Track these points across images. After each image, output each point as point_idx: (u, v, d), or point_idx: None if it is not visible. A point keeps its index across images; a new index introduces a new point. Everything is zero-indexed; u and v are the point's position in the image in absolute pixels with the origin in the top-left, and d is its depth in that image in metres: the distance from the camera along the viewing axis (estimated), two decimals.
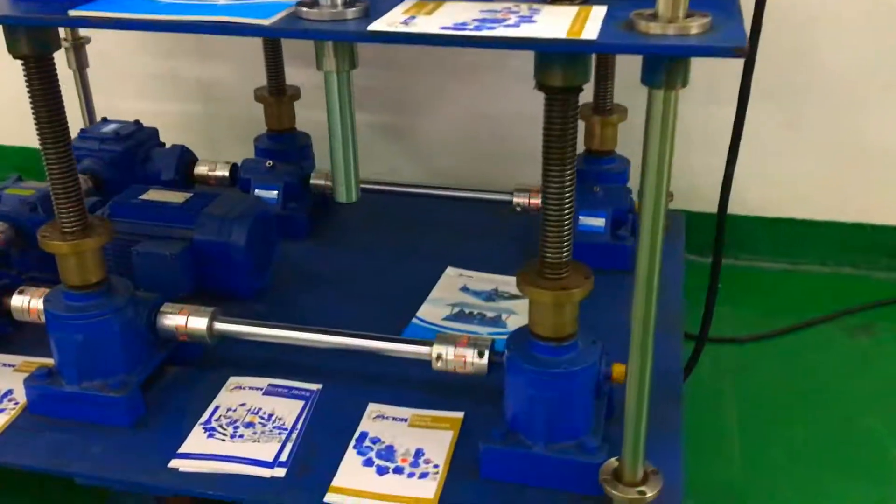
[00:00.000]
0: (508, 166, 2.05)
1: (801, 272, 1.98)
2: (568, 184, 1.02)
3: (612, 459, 1.07)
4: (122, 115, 1.89)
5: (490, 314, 1.51)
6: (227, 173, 1.80)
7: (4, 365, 1.38)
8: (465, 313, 1.51)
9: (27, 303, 1.32)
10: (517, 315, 1.50)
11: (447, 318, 1.49)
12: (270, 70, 1.79)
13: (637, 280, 0.93)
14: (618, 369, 1.14)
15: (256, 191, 1.76)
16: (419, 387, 1.32)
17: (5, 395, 1.31)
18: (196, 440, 1.21)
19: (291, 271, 1.65)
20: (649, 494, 1.03)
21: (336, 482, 1.13)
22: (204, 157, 1.85)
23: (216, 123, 2.20)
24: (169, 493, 1.15)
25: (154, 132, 1.85)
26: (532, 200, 1.67)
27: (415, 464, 1.17)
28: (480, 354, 1.19)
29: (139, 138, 1.81)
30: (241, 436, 1.22)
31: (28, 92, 1.14)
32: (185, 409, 1.28)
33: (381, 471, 1.16)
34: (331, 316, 1.49)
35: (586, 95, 1.69)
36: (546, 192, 1.03)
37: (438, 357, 1.21)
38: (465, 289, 1.59)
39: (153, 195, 1.55)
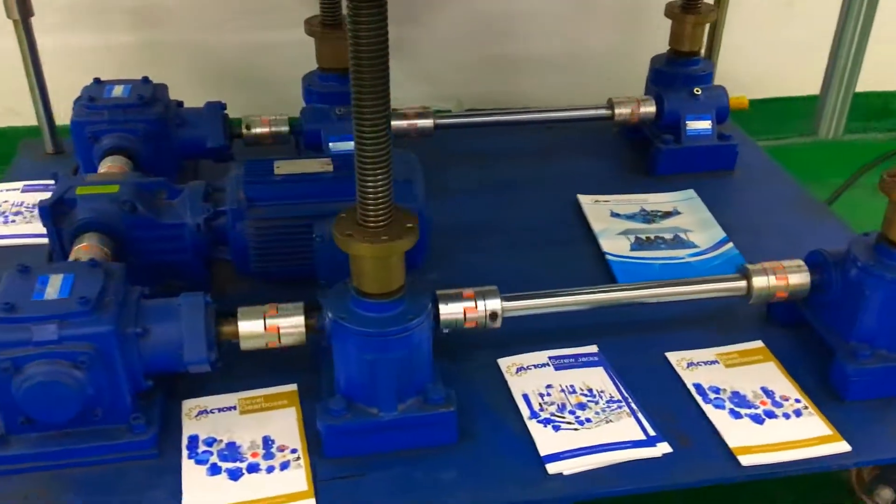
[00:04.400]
0: (527, 77, 1.93)
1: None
2: None
3: None
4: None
5: (667, 236, 1.45)
6: (287, 128, 1.52)
7: (221, 410, 1.10)
8: (644, 239, 1.43)
9: (260, 326, 1.05)
10: (694, 232, 1.45)
11: (634, 248, 1.41)
12: None
13: None
14: None
15: (331, 144, 1.51)
16: (676, 326, 1.25)
17: (267, 445, 1.04)
18: (547, 437, 1.06)
19: None
20: None
21: (732, 443, 1.05)
22: None
23: (164, 59, 1.83)
24: (567, 502, 1.01)
25: (165, 89, 1.51)
26: (643, 109, 1.61)
27: (776, 403, 1.11)
28: (799, 275, 1.17)
29: (164, 100, 1.46)
30: (587, 419, 1.08)
31: (351, 30, 0.86)
32: (489, 406, 1.11)
33: (756, 419, 1.09)
34: (513, 272, 1.36)
35: None
36: None
37: (761, 289, 1.16)
38: (615, 214, 1.50)
39: (287, 168, 1.26)
